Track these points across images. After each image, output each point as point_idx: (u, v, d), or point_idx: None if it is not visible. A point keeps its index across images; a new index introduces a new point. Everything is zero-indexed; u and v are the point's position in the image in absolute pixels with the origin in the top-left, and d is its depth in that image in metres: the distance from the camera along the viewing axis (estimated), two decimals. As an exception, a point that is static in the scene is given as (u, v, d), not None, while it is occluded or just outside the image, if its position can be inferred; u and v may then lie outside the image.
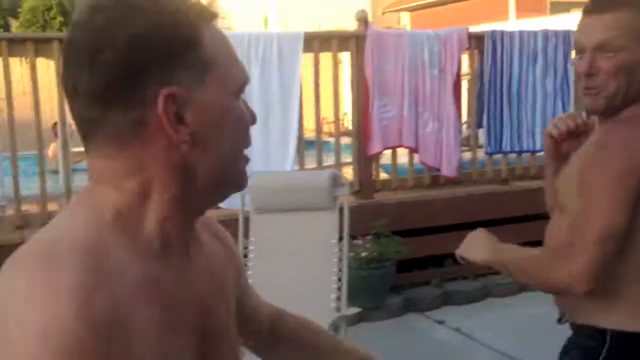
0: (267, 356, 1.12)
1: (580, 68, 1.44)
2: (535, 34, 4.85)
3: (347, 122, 5.62)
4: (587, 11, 1.46)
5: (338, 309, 2.79)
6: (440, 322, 4.16)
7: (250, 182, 3.20)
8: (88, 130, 0.74)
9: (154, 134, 0.72)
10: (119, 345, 0.66)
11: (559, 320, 1.69)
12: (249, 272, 2.92)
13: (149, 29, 0.71)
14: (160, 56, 0.71)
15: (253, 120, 0.81)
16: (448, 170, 4.66)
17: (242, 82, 0.79)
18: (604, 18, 1.42)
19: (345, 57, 4.87)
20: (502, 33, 4.78)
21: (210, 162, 0.76)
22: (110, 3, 0.73)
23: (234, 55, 0.78)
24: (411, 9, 13.87)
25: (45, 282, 0.64)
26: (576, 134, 1.56)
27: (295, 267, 2.88)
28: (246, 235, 2.98)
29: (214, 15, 0.77)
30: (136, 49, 0.71)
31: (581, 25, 1.47)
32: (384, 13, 14.30)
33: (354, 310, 2.86)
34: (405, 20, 14.61)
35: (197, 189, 0.76)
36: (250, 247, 2.94)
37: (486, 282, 4.57)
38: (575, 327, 1.57)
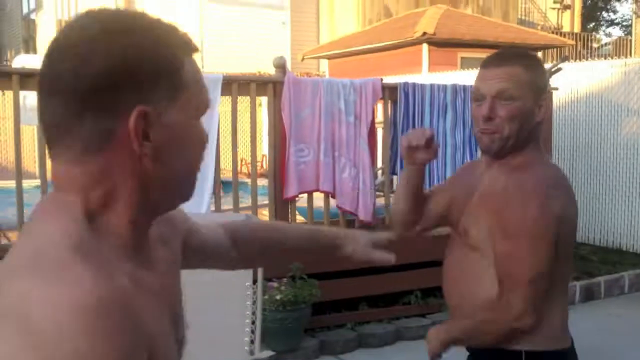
0: (250, 265, 1.32)
1: (481, 112, 1.60)
2: (445, 87, 5.10)
3: (267, 164, 5.66)
4: (485, 65, 1.63)
5: (251, 352, 2.78)
6: (354, 365, 4.20)
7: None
8: (57, 134, 0.77)
9: (121, 145, 0.77)
10: (138, 325, 0.71)
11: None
12: (161, 315, 2.87)
13: (141, 48, 0.76)
14: (143, 75, 0.76)
15: (207, 140, 0.89)
16: (365, 215, 4.76)
17: (205, 105, 0.86)
18: (501, 70, 1.59)
19: (265, 100, 4.95)
20: (414, 85, 5.00)
21: (168, 175, 0.81)
22: (111, 16, 0.78)
23: (202, 84, 0.86)
24: (329, 57, 14.22)
25: (58, 279, 0.67)
26: (426, 146, 1.70)
27: (209, 309, 2.86)
28: (159, 277, 2.94)
29: (195, 49, 0.84)
30: (124, 63, 0.75)
31: (480, 76, 1.63)
32: (303, 59, 14.59)
33: (268, 353, 2.86)
34: (325, 67, 14.94)
35: (155, 196, 0.82)
36: (163, 290, 2.89)
37: (399, 325, 4.67)
38: (481, 353, 1.66)
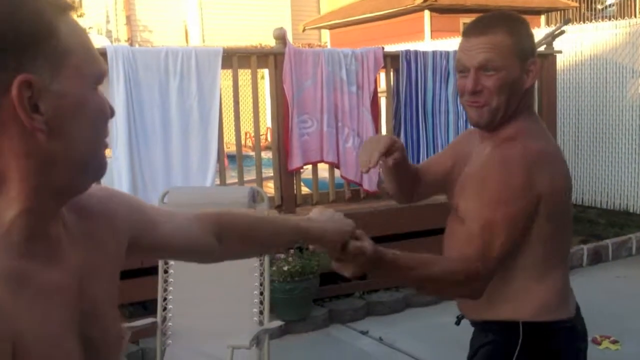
0: (236, 257, 1.20)
1: (467, 86, 1.54)
2: (447, 53, 5.05)
3: (271, 136, 5.66)
4: (467, 33, 1.56)
5: (261, 323, 2.81)
6: (364, 333, 4.24)
7: (167, 198, 3.19)
8: None
9: (8, 121, 0.71)
10: None
11: (457, 322, 1.77)
12: (170, 288, 2.90)
13: (4, 14, 0.70)
14: (14, 44, 0.70)
15: (112, 112, 0.82)
16: (369, 184, 4.77)
17: (99, 73, 0.80)
18: (483, 39, 1.52)
19: (267, 72, 4.94)
20: (416, 53, 4.96)
21: (68, 151, 0.76)
22: None
23: (90, 48, 0.79)
24: (330, 27, 14.09)
25: None
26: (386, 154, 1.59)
27: (217, 282, 2.88)
28: (167, 251, 2.96)
29: (69, 7, 0.77)
30: None
31: (462, 46, 1.56)
32: (304, 30, 14.47)
33: (277, 323, 2.88)
34: (326, 38, 14.82)
35: (58, 177, 0.76)
36: (171, 263, 2.92)
37: (407, 293, 4.70)
38: (480, 324, 1.65)
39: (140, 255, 1.00)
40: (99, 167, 0.82)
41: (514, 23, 1.57)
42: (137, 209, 1.00)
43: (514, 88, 1.53)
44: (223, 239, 1.10)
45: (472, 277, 1.45)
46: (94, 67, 0.79)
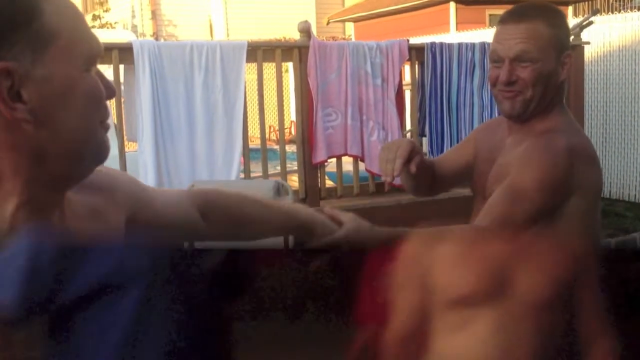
0: (223, 239, 1.14)
1: (501, 78, 1.51)
2: (473, 45, 5.01)
3: (295, 130, 5.67)
4: (504, 21, 1.53)
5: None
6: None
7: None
8: None
9: None
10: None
11: None
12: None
13: None
14: None
15: (110, 93, 0.77)
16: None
17: (93, 53, 0.74)
18: (520, 28, 1.48)
19: (291, 65, 4.95)
20: (441, 45, 4.92)
21: (59, 139, 0.71)
22: None
23: (80, 27, 0.73)
24: (354, 20, 14.05)
25: None
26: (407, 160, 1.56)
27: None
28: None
29: None
30: None
31: (498, 35, 1.53)
32: (329, 23, 14.45)
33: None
34: (350, 30, 14.78)
35: (52, 167, 0.72)
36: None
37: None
38: None
39: (135, 231, 0.98)
40: (98, 152, 0.77)
41: (553, 14, 1.54)
42: (136, 184, 0.98)
43: (549, 80, 1.51)
44: (208, 215, 1.06)
45: None
46: (83, 47, 0.73)
